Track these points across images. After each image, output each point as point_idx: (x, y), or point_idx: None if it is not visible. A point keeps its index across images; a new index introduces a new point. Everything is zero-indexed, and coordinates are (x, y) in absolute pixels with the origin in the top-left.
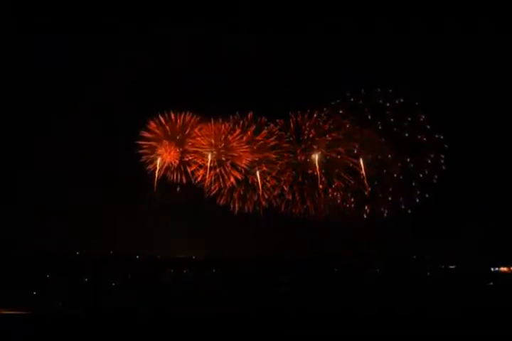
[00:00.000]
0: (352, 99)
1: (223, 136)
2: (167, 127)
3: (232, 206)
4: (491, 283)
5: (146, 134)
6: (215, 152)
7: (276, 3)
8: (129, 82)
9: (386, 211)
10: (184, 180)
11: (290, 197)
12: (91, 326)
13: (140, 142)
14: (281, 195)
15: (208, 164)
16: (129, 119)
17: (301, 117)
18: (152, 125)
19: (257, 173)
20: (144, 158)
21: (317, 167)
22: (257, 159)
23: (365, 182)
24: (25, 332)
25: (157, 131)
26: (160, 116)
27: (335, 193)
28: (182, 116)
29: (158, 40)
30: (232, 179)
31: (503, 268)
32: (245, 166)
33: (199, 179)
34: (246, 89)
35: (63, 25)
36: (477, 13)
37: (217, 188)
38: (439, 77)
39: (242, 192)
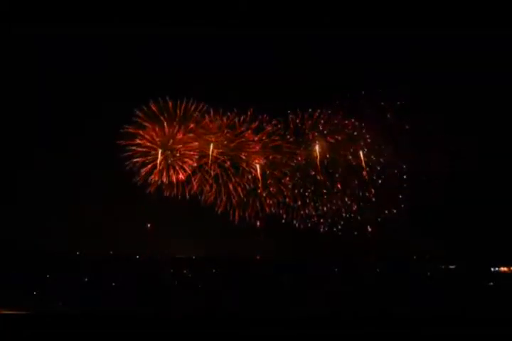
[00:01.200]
0: (351, 101)
1: (225, 134)
2: (162, 119)
3: (231, 214)
4: (491, 283)
5: (133, 130)
6: (215, 152)
7: (276, 2)
8: (126, 80)
9: (387, 213)
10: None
11: (291, 203)
12: (91, 326)
13: (122, 142)
14: (284, 201)
15: (210, 167)
16: (128, 117)
17: (300, 117)
18: (141, 117)
19: (259, 175)
20: (128, 164)
21: (318, 168)
22: (262, 162)
23: (367, 183)
24: (25, 332)
25: (148, 126)
26: (152, 105)
27: (336, 196)
28: (183, 105)
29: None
30: (235, 185)
31: (503, 268)
32: (252, 169)
33: (196, 186)
34: (244, 88)
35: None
36: (479, 14)
37: (216, 197)
38: (441, 78)
39: (245, 200)
